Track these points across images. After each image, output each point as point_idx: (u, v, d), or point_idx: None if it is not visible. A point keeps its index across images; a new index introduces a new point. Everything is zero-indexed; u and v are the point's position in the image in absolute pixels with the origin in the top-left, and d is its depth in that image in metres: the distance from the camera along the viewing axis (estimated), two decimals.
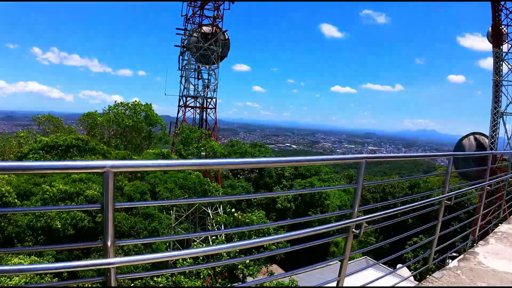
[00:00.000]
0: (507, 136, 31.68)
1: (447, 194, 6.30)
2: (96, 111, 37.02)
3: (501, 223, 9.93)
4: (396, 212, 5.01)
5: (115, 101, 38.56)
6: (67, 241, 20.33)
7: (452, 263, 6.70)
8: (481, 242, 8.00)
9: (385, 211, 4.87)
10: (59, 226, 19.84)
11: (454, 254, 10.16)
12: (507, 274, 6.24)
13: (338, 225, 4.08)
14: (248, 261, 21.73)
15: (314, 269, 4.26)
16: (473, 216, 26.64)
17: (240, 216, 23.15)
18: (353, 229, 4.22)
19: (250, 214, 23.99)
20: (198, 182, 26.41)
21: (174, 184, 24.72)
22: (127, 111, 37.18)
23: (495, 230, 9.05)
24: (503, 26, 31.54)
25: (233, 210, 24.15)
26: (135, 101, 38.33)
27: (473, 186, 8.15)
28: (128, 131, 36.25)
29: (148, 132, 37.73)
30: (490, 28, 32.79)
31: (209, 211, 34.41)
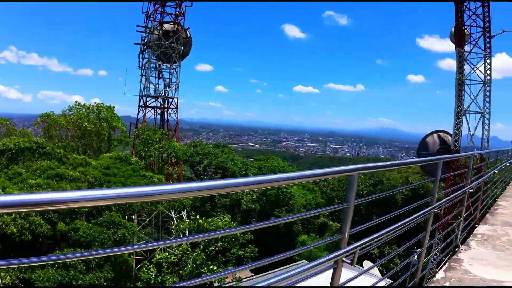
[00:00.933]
0: (471, 133, 32.25)
1: (437, 204, 5.74)
2: (52, 112, 35.04)
3: (478, 224, 9.61)
4: (392, 231, 4.37)
5: (76, 101, 36.86)
6: (23, 248, 18.87)
7: (439, 274, 6.19)
8: (463, 247, 7.56)
9: (380, 233, 4.18)
10: (15, 231, 18.31)
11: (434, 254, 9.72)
12: (496, 282, 5.81)
13: (327, 260, 3.33)
14: (215, 268, 20.93)
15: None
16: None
17: (205, 223, 22.26)
18: (344, 259, 3.49)
19: (215, 219, 23.13)
20: None
21: None
22: (90, 113, 35.49)
23: (474, 233, 8.68)
24: (466, 27, 32.07)
25: (197, 216, 23.15)
26: (98, 104, 36.69)
27: (461, 191, 7.64)
28: (88, 134, 34.57)
29: (108, 135, 36.11)
30: (453, 28, 33.26)
31: (173, 214, 33.33)
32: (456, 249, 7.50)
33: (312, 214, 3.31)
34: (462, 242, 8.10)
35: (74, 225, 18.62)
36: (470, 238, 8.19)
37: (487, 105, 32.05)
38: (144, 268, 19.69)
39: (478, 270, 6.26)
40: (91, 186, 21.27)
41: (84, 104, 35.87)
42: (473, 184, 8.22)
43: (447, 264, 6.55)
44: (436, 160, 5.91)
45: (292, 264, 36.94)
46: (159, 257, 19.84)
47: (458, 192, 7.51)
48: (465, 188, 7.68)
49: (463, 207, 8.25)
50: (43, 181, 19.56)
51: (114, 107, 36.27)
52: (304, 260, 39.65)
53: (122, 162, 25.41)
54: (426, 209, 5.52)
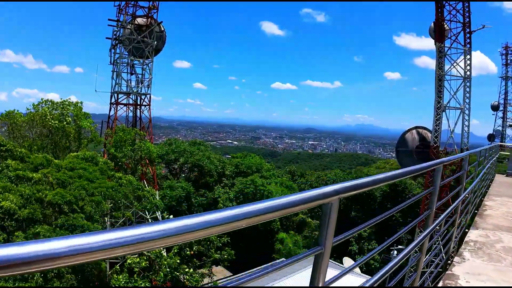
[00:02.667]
0: (450, 130, 32.04)
1: (435, 224, 4.85)
2: (17, 110, 33.12)
3: (468, 229, 8.92)
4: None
5: (41, 99, 35.13)
6: None
7: None
8: (456, 258, 6.70)
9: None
10: None
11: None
12: None
13: None
14: (191, 271, 20.03)
15: None
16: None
17: None
18: None
19: None
20: (130, 188, 23.93)
21: (101, 197, 21.83)
22: (56, 110, 33.69)
23: (466, 240, 7.91)
24: (446, 22, 31.83)
25: (171, 216, 22.07)
26: (64, 100, 34.97)
27: (459, 199, 6.83)
28: (55, 133, 32.79)
29: (78, 133, 34.32)
30: (433, 23, 33.06)
31: (148, 216, 32.20)
32: (449, 261, 6.75)
33: (279, 267, 2.20)
34: (456, 253, 7.38)
35: (34, 230, 17.19)
36: (463, 246, 7.46)
37: (467, 100, 31.85)
38: (115, 275, 18.57)
39: None
40: (53, 189, 19.88)
41: (51, 101, 34.00)
42: (469, 188, 7.46)
43: (441, 283, 5.75)
44: (435, 166, 4.97)
45: (271, 263, 36.27)
46: (130, 261, 18.74)
47: (456, 202, 6.69)
48: (463, 196, 6.89)
49: (457, 214, 7.49)
50: (1, 185, 18.13)
51: (81, 103, 34.44)
52: (283, 259, 39.03)
53: (89, 162, 23.96)
54: (424, 233, 4.59)
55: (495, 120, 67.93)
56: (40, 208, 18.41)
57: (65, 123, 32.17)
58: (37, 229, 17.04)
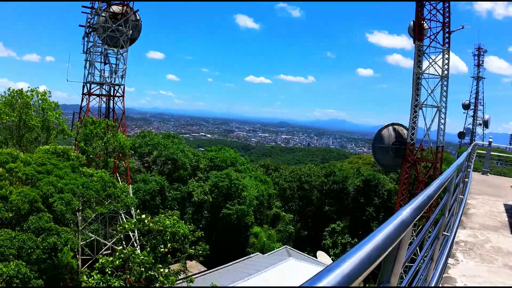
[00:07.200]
0: (427, 127, 32.51)
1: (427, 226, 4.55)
2: None
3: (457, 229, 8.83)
4: None
5: (9, 88, 33.25)
6: None
7: None
8: (450, 260, 6.61)
9: None
10: None
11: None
12: None
13: None
14: (166, 271, 19.41)
15: None
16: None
17: (151, 223, 20.49)
18: None
19: (163, 216, 21.39)
20: (102, 185, 22.96)
21: (71, 195, 20.64)
22: (18, 99, 31.75)
23: (456, 240, 7.80)
24: (425, 21, 32.17)
25: (143, 216, 21.23)
26: (32, 89, 33.21)
27: (444, 199, 6.58)
28: (16, 125, 30.93)
29: (47, 125, 32.69)
30: (412, 22, 33.52)
31: (121, 211, 31.28)
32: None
33: None
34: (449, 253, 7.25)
35: None
36: (454, 247, 7.43)
37: (444, 99, 32.33)
38: (85, 276, 17.69)
39: None
40: (22, 185, 18.81)
41: (12, 90, 32.11)
42: (457, 190, 7.35)
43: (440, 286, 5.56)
44: (452, 174, 4.61)
45: (246, 257, 35.92)
46: (102, 261, 17.93)
47: (442, 202, 6.47)
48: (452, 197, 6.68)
49: (445, 215, 7.31)
50: None
51: (50, 92, 32.90)
52: (258, 253, 38.70)
53: (60, 157, 22.83)
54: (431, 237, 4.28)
55: (466, 118, 69.81)
56: (4, 210, 17.24)
57: (24, 115, 30.42)
58: None
